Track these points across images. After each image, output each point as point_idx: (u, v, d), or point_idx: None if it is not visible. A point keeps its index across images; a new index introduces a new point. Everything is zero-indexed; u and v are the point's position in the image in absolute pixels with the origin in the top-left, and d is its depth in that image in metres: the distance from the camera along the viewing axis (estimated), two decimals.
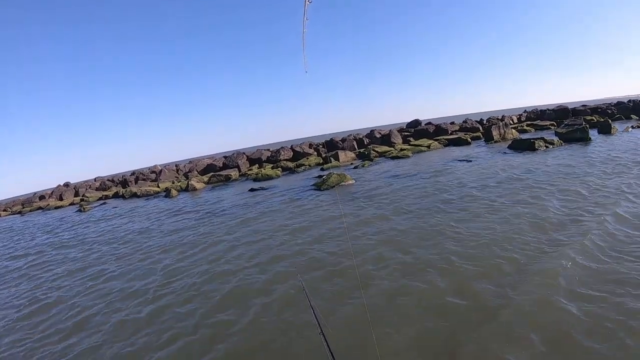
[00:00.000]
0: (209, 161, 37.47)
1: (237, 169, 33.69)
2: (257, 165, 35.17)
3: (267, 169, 31.00)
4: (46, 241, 19.68)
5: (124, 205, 28.66)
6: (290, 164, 32.60)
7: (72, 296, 9.97)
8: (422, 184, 17.53)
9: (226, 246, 12.18)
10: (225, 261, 10.60)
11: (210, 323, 7.00)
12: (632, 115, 39.06)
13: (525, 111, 51.61)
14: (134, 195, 32.38)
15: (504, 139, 32.25)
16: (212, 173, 33.23)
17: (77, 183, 51.27)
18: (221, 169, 35.67)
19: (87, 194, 40.35)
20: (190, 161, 37.71)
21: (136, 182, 39.31)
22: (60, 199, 42.24)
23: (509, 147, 25.72)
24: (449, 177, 18.24)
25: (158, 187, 33.22)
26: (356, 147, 37.87)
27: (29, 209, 40.84)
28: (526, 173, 16.39)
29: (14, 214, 41.80)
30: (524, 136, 30.65)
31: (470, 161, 22.31)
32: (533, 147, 23.52)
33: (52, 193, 44.21)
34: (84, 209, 30.07)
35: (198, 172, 37.11)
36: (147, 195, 31.29)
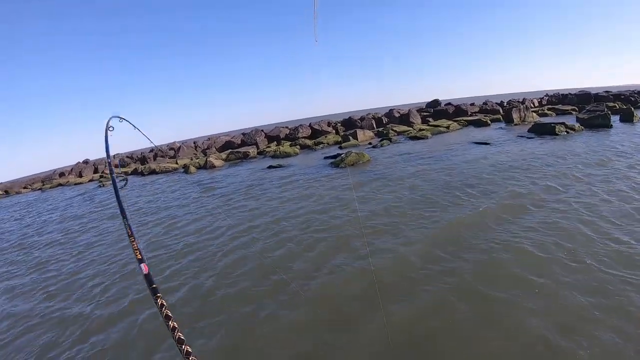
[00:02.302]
0: (227, 138, 37.43)
1: (255, 146, 33.61)
2: (275, 143, 35.04)
3: (286, 147, 30.79)
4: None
5: (143, 180, 28.84)
6: (309, 142, 32.43)
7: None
8: (439, 165, 17.19)
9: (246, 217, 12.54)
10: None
11: None
12: None
13: (546, 95, 50.33)
14: (153, 172, 32.50)
15: (524, 121, 31.48)
16: (230, 150, 33.18)
17: (96, 160, 51.72)
18: (239, 146, 35.61)
19: (106, 171, 40.71)
20: (209, 138, 37.74)
21: (154, 159, 39.50)
22: (80, 175, 42.73)
23: (529, 130, 24.99)
24: (467, 158, 17.86)
25: (176, 163, 33.33)
26: (375, 126, 37.39)
27: (49, 185, 41.33)
28: (548, 157, 15.75)
29: (34, 190, 42.35)
30: (545, 120, 29.79)
31: (489, 144, 21.78)
32: (554, 131, 22.78)
33: (71, 170, 44.73)
34: (103, 184, 30.34)
35: (216, 149, 37.17)
36: (165, 172, 31.40)
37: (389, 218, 10.26)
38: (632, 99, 39.22)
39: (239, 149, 32.47)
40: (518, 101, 44.75)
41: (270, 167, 23.78)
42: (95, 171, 43.15)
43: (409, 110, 40.75)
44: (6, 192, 43.52)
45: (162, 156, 40.11)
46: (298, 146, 30.97)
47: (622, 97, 40.90)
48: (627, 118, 26.97)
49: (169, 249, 10.62)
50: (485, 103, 44.27)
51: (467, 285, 6.23)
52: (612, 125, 23.88)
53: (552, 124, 23.48)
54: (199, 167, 29.26)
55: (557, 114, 36.90)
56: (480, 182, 12.90)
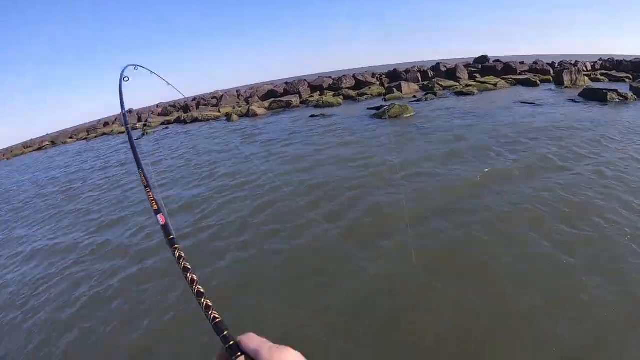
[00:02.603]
0: (270, 87, 37.16)
1: (298, 95, 33.28)
2: (318, 93, 34.47)
3: (329, 97, 30.30)
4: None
5: (186, 128, 29.17)
6: (352, 93, 31.71)
7: None
8: (483, 122, 16.43)
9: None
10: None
11: None
12: None
13: (600, 59, 47.01)
14: (195, 120, 32.81)
15: (575, 85, 29.55)
16: (273, 99, 32.96)
17: (140, 109, 52.63)
18: (282, 95, 35.30)
19: (149, 120, 41.38)
20: (251, 87, 37.54)
21: (197, 108, 39.86)
22: None
23: (580, 94, 23.31)
24: (512, 119, 16.84)
25: (219, 112, 33.48)
26: (420, 79, 36.18)
27: (94, 135, 42.51)
28: (596, 125, 14.38)
29: (79, 140, 43.56)
30: (597, 85, 27.82)
31: (537, 104, 20.56)
32: (605, 98, 21.11)
33: (115, 119, 45.71)
34: (146, 132, 30.86)
35: (259, 98, 37.03)
36: (207, 120, 31.63)
37: (426, 166, 10.59)
38: None
39: (282, 98, 32.25)
40: (570, 63, 42.24)
41: (312, 116, 23.55)
42: (139, 120, 43.89)
43: (456, 65, 39.12)
44: (52, 142, 45.05)
45: (204, 105, 40.40)
46: (341, 97, 30.37)
47: None
48: None
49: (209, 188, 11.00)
50: (535, 62, 41.94)
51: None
52: None
53: (604, 90, 21.82)
54: (241, 116, 29.28)
55: (609, 80, 34.42)
56: (519, 143, 12.30)
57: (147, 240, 8.17)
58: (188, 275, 1.01)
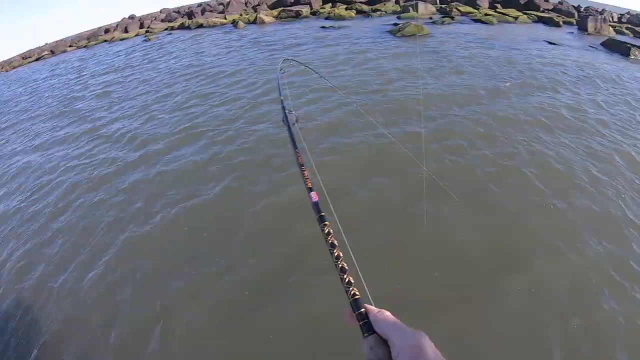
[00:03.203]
0: None
1: (308, 5, 31.64)
2: (330, 5, 32.68)
3: (341, 9, 28.98)
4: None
5: (191, 33, 28.01)
6: (366, 7, 30.16)
7: None
8: (497, 54, 15.56)
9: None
10: None
11: None
12: None
13: (628, 13, 44.72)
14: (200, 26, 31.50)
15: (598, 33, 28.10)
16: (282, 7, 31.36)
17: (142, 15, 50.45)
18: (292, 4, 33.53)
19: (152, 26, 39.71)
20: None
21: (202, 14, 38.17)
22: (126, 31, 41.62)
23: (602, 44, 22.11)
24: (528, 54, 16.03)
25: (225, 19, 32.11)
26: (438, 1, 34.46)
27: (94, 42, 40.58)
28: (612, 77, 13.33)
29: (79, 48, 41.75)
30: (621, 38, 26.49)
31: (557, 44, 19.55)
32: (628, 52, 19.85)
33: (117, 26, 43.88)
34: (149, 39, 29.61)
35: (267, 6, 35.34)
36: (213, 27, 30.34)
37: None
38: None
39: (291, 8, 30.71)
40: (596, 10, 40.30)
41: (323, 27, 22.67)
42: (141, 26, 42.02)
43: None
44: (52, 52, 43.30)
45: (210, 11, 38.67)
46: (354, 10, 29.03)
47: None
48: None
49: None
50: (560, 2, 40.00)
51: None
52: None
53: (628, 44, 20.57)
54: (248, 23, 28.03)
55: (634, 36, 32.78)
56: (529, 81, 11.55)
57: None
58: (334, 251, 1.04)
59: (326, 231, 1.10)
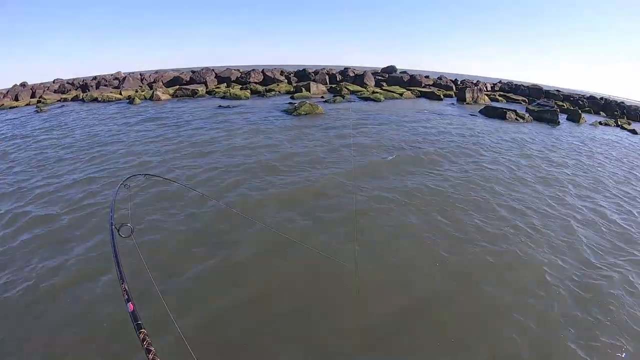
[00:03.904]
0: (176, 74, 36.07)
1: (204, 85, 32.68)
2: (225, 84, 34.14)
3: (236, 89, 30.40)
4: None
5: (85, 107, 27.60)
6: (260, 88, 31.99)
7: None
8: (391, 127, 18.46)
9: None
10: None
11: None
12: (600, 112, 40.34)
13: (499, 82, 52.36)
14: (95, 100, 30.98)
15: (475, 102, 32.94)
16: (178, 86, 32.08)
17: (35, 84, 48.34)
18: (187, 83, 34.46)
19: (45, 96, 38.30)
20: (156, 72, 36.19)
21: (97, 87, 37.65)
22: (16, 99, 39.75)
23: (480, 111, 26.43)
24: (420, 125, 19.33)
25: (120, 94, 31.94)
26: (328, 81, 37.57)
27: None
28: (491, 135, 17.43)
29: None
30: (496, 104, 31.47)
31: (443, 115, 23.36)
32: (504, 116, 24.40)
33: (7, 93, 41.68)
34: (41, 109, 28.58)
35: (163, 84, 35.88)
36: (108, 101, 30.03)
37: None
38: (581, 102, 41.89)
39: (187, 86, 31.55)
40: (472, 82, 46.29)
41: (220, 106, 23.59)
42: (33, 95, 40.28)
43: (365, 71, 41.14)
44: None
45: (105, 85, 38.34)
46: (249, 90, 30.52)
47: (572, 98, 43.56)
48: (574, 118, 29.09)
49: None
50: (440, 78, 45.44)
51: None
52: (559, 122, 25.80)
53: (504, 109, 25.13)
54: (145, 100, 28.33)
55: (507, 101, 38.65)
56: (419, 143, 14.36)
57: None
58: (150, 356, 1.18)
59: (141, 337, 1.22)
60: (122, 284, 1.58)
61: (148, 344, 1.19)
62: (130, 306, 1.41)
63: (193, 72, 35.66)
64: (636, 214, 9.90)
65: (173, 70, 41.31)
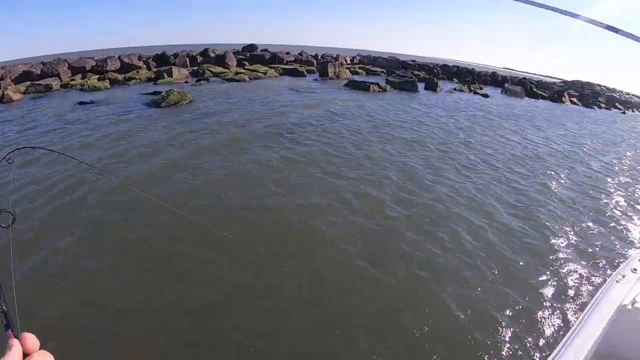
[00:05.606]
0: (25, 67, 33.48)
1: (58, 78, 30.99)
2: (80, 76, 32.60)
3: (93, 80, 29.74)
4: None
5: None
6: (119, 77, 31.66)
7: None
8: (263, 109, 21.01)
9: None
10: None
11: None
12: (454, 78, 46.64)
13: (358, 54, 56.46)
14: None
15: (338, 77, 36.30)
16: (30, 82, 30.02)
17: None
18: (39, 77, 32.29)
19: None
20: (3, 67, 33.08)
21: None
22: None
23: (345, 85, 30.05)
24: (288, 103, 22.37)
25: None
26: (188, 64, 37.98)
27: None
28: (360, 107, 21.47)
29: None
30: (358, 78, 35.22)
31: (313, 93, 26.43)
32: (368, 89, 28.19)
33: None
34: None
35: (11, 80, 33.18)
36: None
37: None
38: (435, 70, 47.84)
39: (40, 81, 29.79)
40: (332, 56, 49.54)
41: (81, 102, 22.84)
42: None
43: (226, 52, 42.13)
44: None
45: None
46: (107, 80, 30.07)
47: (427, 67, 49.29)
48: (431, 87, 34.08)
49: None
50: (300, 54, 48.02)
51: None
52: (418, 90, 30.38)
53: (367, 83, 29.26)
54: None
55: (367, 74, 42.75)
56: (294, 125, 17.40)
57: None
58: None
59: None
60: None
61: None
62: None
63: (43, 64, 33.35)
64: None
65: (20, 60, 38.04)
